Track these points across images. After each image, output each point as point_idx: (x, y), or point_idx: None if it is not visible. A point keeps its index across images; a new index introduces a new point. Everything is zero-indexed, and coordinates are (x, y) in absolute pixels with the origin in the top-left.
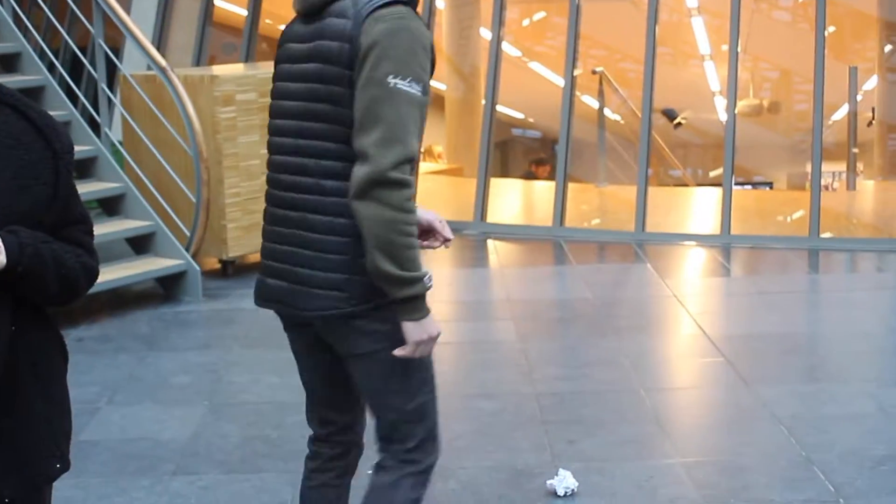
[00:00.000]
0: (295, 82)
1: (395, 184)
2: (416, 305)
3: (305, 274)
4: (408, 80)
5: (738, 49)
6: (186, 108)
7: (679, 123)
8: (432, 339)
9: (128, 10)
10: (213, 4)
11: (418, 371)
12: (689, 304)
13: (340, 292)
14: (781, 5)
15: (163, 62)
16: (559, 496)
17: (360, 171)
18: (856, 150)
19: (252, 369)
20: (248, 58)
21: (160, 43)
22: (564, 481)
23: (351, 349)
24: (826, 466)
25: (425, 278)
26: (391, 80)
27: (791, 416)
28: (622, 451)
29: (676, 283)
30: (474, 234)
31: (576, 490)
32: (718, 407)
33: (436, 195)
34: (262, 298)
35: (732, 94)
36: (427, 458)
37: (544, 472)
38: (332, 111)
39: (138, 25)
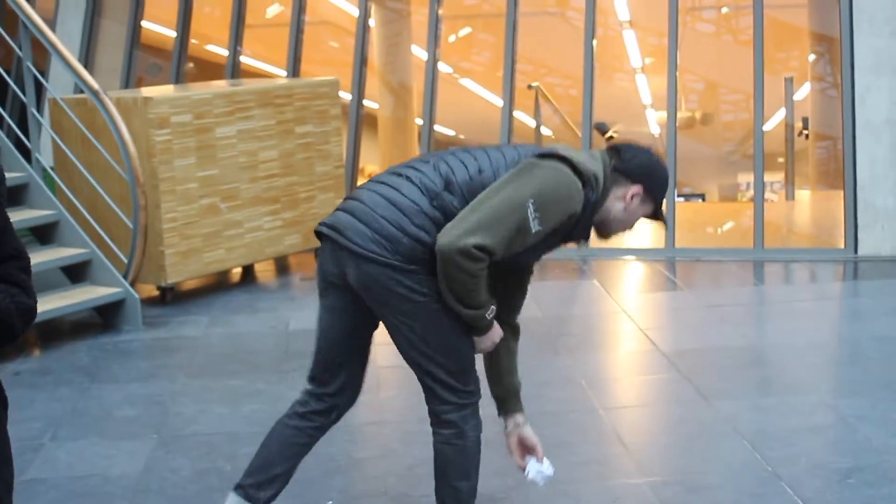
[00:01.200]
0: None
1: (468, 255)
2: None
3: (371, 216)
4: (536, 209)
5: (671, 63)
6: (121, 132)
7: (611, 137)
8: (494, 343)
9: (53, 31)
10: (140, 26)
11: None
12: (640, 319)
13: (389, 243)
14: (705, 17)
15: (95, 85)
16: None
17: None
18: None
19: (199, 399)
20: (177, 79)
21: (86, 65)
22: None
23: (387, 299)
24: (793, 481)
25: (487, 314)
26: (527, 201)
27: (753, 430)
28: (586, 471)
29: (624, 299)
30: None
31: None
32: (679, 424)
33: None
34: (325, 224)
35: (672, 105)
36: (476, 392)
37: (508, 496)
38: None
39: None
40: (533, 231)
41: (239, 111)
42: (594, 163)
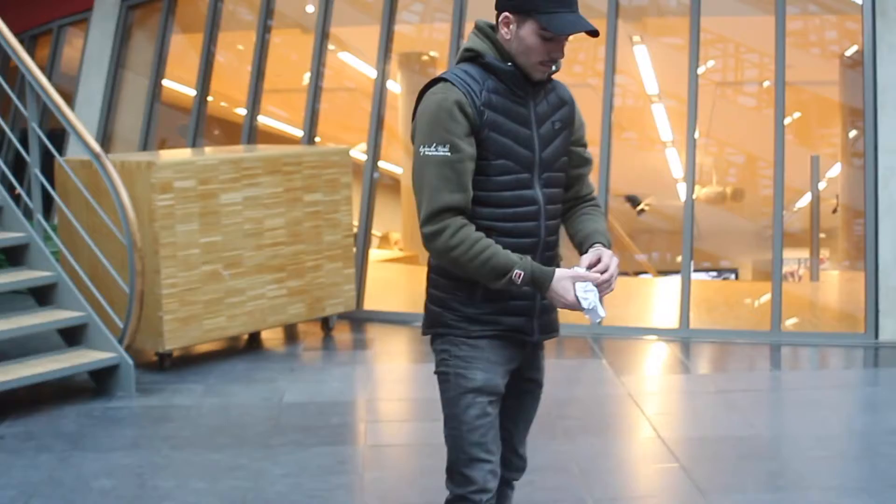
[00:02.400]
0: None
1: (429, 237)
2: (533, 285)
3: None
4: (433, 145)
5: (696, 135)
6: (120, 196)
7: (642, 210)
8: (571, 307)
9: (75, 91)
10: (161, 85)
11: None
12: (645, 404)
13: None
14: (746, 91)
15: (97, 147)
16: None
17: None
18: (823, 236)
19: (178, 473)
20: (195, 142)
21: (107, 125)
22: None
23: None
24: None
25: (512, 276)
26: (421, 150)
27: None
28: None
29: (633, 381)
30: None
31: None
32: None
33: (390, 284)
34: None
35: (690, 181)
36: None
37: None
38: None
39: (84, 107)
40: (450, 156)
41: (246, 178)
42: (476, 41)
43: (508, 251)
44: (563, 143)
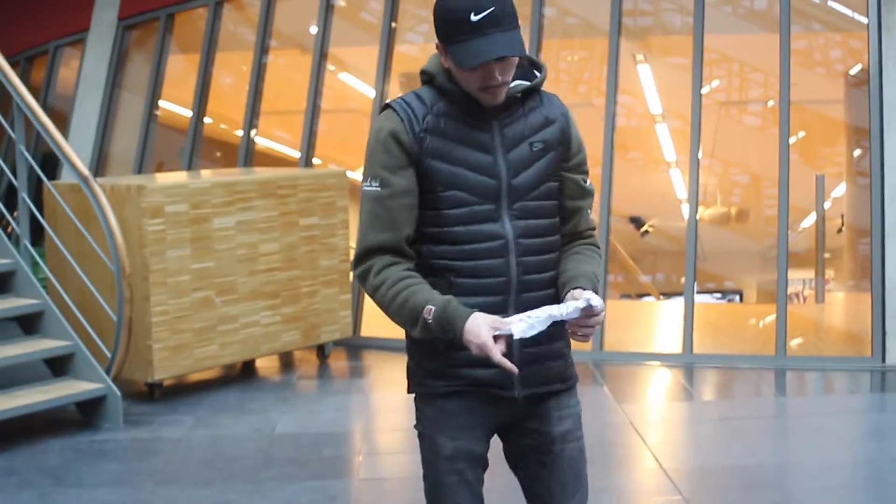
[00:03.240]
0: None
1: (358, 279)
2: (446, 335)
3: None
4: (367, 180)
5: (700, 155)
6: (108, 220)
7: (646, 231)
8: (483, 347)
9: (70, 112)
10: (157, 106)
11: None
12: (647, 432)
13: None
14: (751, 110)
15: (85, 171)
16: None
17: None
18: (828, 256)
19: None
20: (191, 164)
21: (102, 147)
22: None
23: None
24: None
25: (424, 315)
26: (362, 186)
27: None
28: None
29: (634, 409)
30: None
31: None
32: None
33: None
34: None
35: (693, 202)
36: None
37: None
38: None
39: (79, 129)
40: (380, 191)
41: (239, 201)
42: (432, 62)
43: (434, 290)
44: (547, 166)
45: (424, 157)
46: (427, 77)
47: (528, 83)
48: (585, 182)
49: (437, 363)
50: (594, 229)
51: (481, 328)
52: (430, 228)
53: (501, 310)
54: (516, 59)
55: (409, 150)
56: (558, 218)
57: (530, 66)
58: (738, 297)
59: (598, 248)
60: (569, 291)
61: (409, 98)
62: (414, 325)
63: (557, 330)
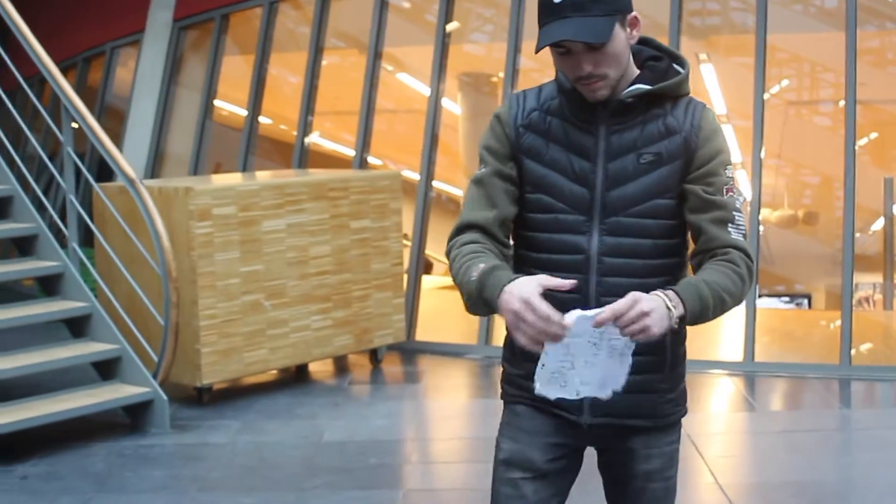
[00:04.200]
0: None
1: (446, 256)
2: (485, 302)
3: None
4: (479, 165)
5: (763, 156)
6: (155, 223)
7: None
8: (517, 316)
9: (126, 111)
10: (212, 105)
11: None
12: (705, 446)
13: None
14: (820, 110)
15: (132, 173)
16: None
17: None
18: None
19: None
20: (245, 166)
21: (158, 147)
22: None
23: None
24: None
25: (472, 276)
26: None
27: None
28: None
29: (693, 420)
30: (478, 359)
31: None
32: None
33: (445, 313)
34: None
35: (756, 204)
36: None
37: None
38: None
39: (136, 128)
40: (480, 172)
41: (289, 203)
42: None
43: (501, 261)
44: (657, 182)
45: (520, 153)
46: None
47: (647, 87)
48: (710, 193)
49: (514, 369)
50: (735, 246)
51: (525, 286)
52: (518, 230)
53: None
54: (615, 51)
55: (509, 139)
56: (677, 239)
57: (669, 68)
58: (806, 302)
59: (736, 264)
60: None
61: (531, 90)
62: (470, 295)
63: (652, 362)
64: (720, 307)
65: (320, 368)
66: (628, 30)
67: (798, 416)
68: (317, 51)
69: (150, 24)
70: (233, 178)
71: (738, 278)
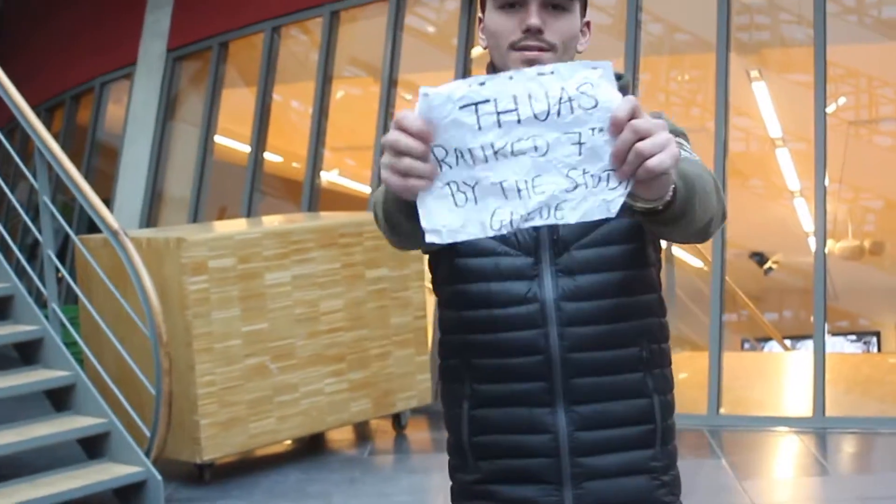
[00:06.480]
0: None
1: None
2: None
3: None
4: None
5: (826, 182)
6: (142, 279)
7: (770, 268)
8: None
9: (119, 153)
10: (212, 142)
11: None
12: None
13: None
14: (883, 129)
15: (115, 224)
16: None
17: None
18: None
19: None
20: (250, 209)
21: (154, 191)
22: None
23: None
24: None
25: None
26: None
27: None
28: None
29: (758, 487)
30: None
31: None
32: None
33: None
34: None
35: (821, 234)
36: None
37: None
38: None
39: (129, 171)
40: None
41: (295, 253)
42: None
43: None
44: None
45: None
46: None
47: None
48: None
49: (465, 475)
50: None
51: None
52: (445, 286)
53: (543, 401)
54: (570, 29)
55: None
56: (648, 269)
57: None
58: (874, 340)
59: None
60: None
61: None
62: (385, 212)
63: (641, 434)
64: (700, 200)
65: (337, 437)
66: (584, 29)
67: (876, 481)
68: (326, 79)
69: (142, 55)
70: (231, 226)
71: (709, 177)
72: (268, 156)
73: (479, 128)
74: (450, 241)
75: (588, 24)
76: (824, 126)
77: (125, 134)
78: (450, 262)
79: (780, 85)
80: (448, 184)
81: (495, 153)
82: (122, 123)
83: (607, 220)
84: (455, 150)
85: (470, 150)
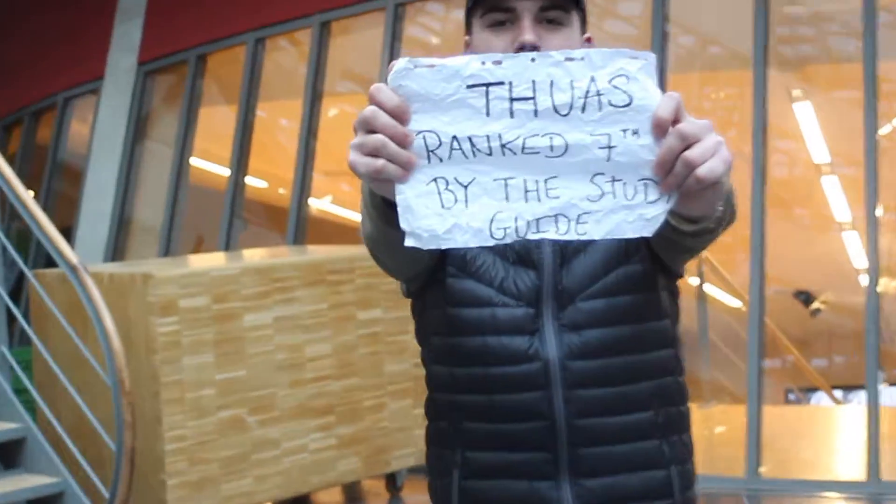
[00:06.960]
0: None
1: None
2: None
3: None
4: None
5: (879, 213)
6: (102, 319)
7: (817, 309)
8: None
9: (82, 178)
10: (188, 164)
11: None
12: None
13: None
14: None
15: (73, 259)
16: None
17: None
18: None
19: None
20: (228, 240)
21: (121, 220)
22: None
23: None
24: None
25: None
26: None
27: None
28: None
29: None
30: None
31: None
32: None
33: None
34: None
35: (874, 271)
36: None
37: None
38: None
39: (93, 198)
40: None
41: (277, 292)
42: None
43: None
44: (616, 244)
45: None
46: None
47: None
48: None
49: (446, 480)
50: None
51: None
52: (434, 338)
53: (546, 474)
54: (568, 32)
55: None
56: (664, 321)
57: None
58: None
59: None
60: None
61: None
62: (369, 214)
63: (651, 487)
64: (732, 208)
65: (324, 500)
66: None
67: None
68: (315, 96)
69: (109, 69)
70: (206, 260)
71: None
72: (249, 180)
73: (488, 114)
74: (432, 247)
75: (589, 39)
76: (875, 149)
77: (90, 154)
78: (440, 310)
79: (825, 104)
80: (435, 179)
81: (502, 146)
82: (87, 143)
83: (617, 266)
84: (452, 138)
85: (471, 139)
